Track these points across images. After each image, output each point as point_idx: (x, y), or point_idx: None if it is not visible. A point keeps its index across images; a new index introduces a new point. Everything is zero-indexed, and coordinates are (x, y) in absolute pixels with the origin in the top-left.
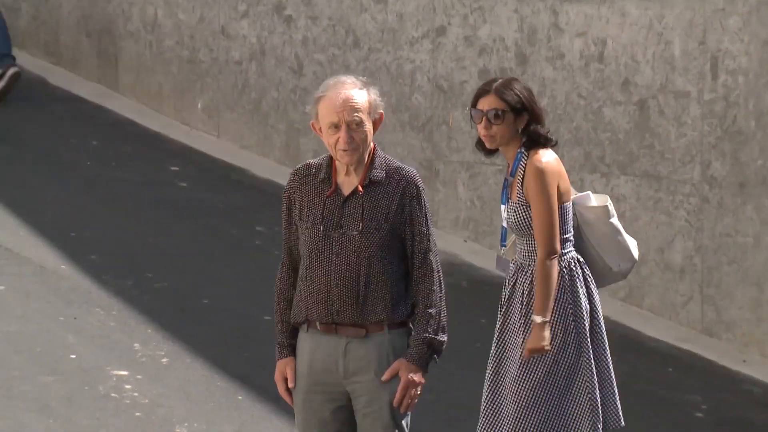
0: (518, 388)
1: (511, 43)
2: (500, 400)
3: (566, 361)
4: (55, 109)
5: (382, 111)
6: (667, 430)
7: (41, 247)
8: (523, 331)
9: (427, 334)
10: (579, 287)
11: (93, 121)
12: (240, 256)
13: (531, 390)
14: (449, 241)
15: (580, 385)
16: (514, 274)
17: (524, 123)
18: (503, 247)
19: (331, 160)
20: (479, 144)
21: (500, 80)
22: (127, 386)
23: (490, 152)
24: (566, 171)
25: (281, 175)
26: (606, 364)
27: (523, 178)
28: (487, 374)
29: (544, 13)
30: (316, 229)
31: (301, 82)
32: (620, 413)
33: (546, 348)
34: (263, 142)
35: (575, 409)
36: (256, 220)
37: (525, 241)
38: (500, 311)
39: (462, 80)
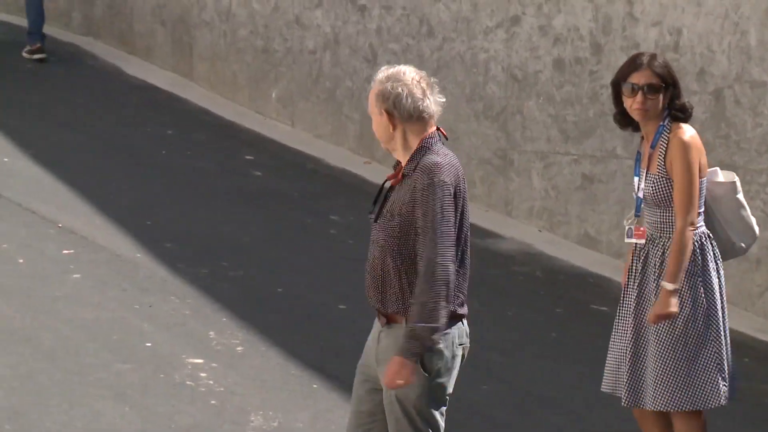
0: (654, 356)
1: (586, 33)
2: (642, 369)
3: (695, 332)
4: (131, 98)
5: (386, 108)
6: (743, 420)
7: (116, 236)
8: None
9: (412, 325)
10: (710, 261)
11: (168, 110)
12: (314, 245)
13: (663, 358)
14: (523, 230)
15: (709, 357)
16: (645, 246)
17: (669, 97)
18: (636, 217)
19: None
20: (617, 117)
21: (648, 55)
22: (202, 374)
23: (629, 125)
24: None
25: (355, 165)
26: (726, 341)
27: (665, 151)
28: (626, 345)
29: (619, 3)
30: (370, 217)
31: (375, 72)
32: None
33: (672, 313)
34: (337, 132)
35: (705, 379)
36: (330, 209)
37: (660, 213)
38: (632, 283)
39: (536, 70)
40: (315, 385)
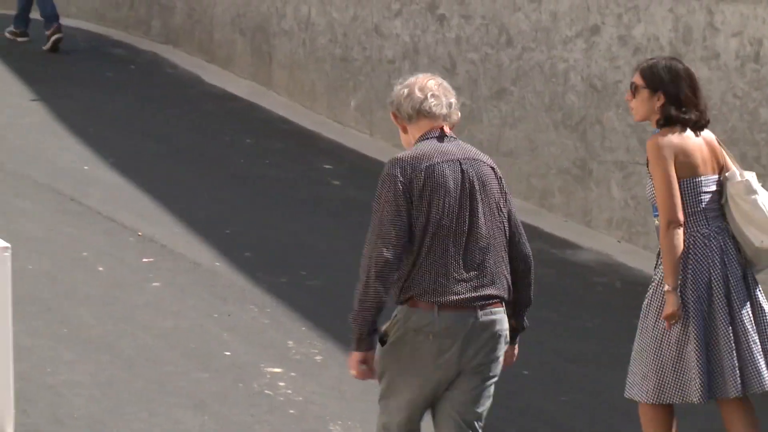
0: (638, 350)
1: (666, 43)
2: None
3: (675, 329)
4: (210, 106)
5: (393, 111)
6: None
7: (196, 244)
8: (657, 302)
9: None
10: (696, 262)
11: (246, 119)
12: None
13: (648, 353)
14: (602, 241)
15: (690, 355)
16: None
17: (662, 102)
18: (655, 217)
19: None
20: None
21: (654, 58)
22: (281, 383)
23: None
24: None
25: None
26: (723, 336)
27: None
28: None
29: (699, 13)
30: None
31: (454, 81)
32: (728, 385)
33: (674, 312)
34: None
35: (687, 375)
36: None
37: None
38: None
39: (616, 80)
40: None
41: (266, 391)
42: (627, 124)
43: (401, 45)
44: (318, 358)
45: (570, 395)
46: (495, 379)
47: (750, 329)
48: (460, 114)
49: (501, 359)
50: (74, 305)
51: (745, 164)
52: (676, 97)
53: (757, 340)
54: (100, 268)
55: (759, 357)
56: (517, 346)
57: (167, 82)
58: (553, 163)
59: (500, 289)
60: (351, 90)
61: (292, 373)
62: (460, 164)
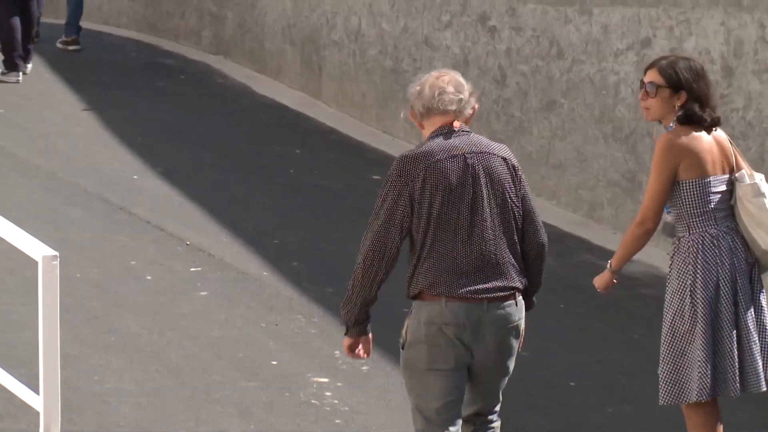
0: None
1: (717, 56)
2: None
3: (682, 328)
4: (259, 116)
5: (409, 109)
6: None
7: (243, 254)
8: (667, 304)
9: None
10: (704, 263)
11: (296, 129)
12: None
13: (661, 352)
14: (651, 253)
15: (694, 353)
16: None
17: (683, 101)
18: (668, 213)
19: None
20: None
21: (669, 57)
22: (328, 393)
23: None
24: None
25: None
26: (727, 336)
27: None
28: None
29: (751, 26)
30: None
31: (504, 93)
32: (737, 383)
33: (600, 288)
34: None
35: (689, 373)
36: None
37: (674, 213)
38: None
39: None
40: None
41: (312, 401)
42: None
43: (451, 57)
44: (364, 368)
45: (617, 407)
46: (509, 373)
47: (752, 330)
48: (477, 107)
49: (515, 351)
50: (122, 314)
51: None
52: (698, 96)
53: (757, 341)
54: (149, 277)
55: (758, 358)
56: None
57: (217, 92)
58: (603, 175)
59: (510, 280)
60: (400, 101)
61: (339, 383)
62: (465, 158)
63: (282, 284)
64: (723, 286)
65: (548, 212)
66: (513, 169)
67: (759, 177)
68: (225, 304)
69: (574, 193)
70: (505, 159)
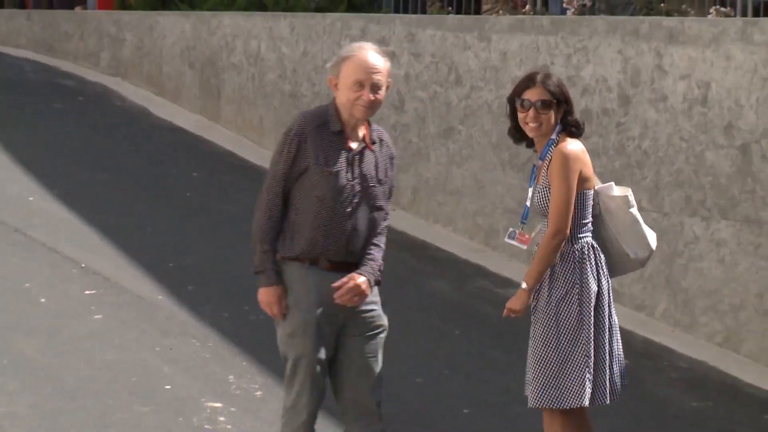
0: (529, 355)
1: (614, 84)
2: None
3: (567, 336)
4: (157, 139)
5: (391, 80)
6: None
7: (139, 277)
8: (534, 305)
9: (377, 275)
10: (589, 271)
11: (194, 152)
12: None
13: (536, 357)
14: None
15: (577, 360)
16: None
17: (562, 113)
18: (522, 224)
19: (336, 114)
20: (512, 132)
21: (543, 73)
22: (221, 418)
23: (523, 140)
24: (666, 213)
25: None
26: (603, 345)
27: (550, 163)
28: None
29: (648, 55)
30: (341, 177)
31: (402, 119)
32: (607, 392)
33: (520, 311)
34: None
35: (570, 380)
36: None
37: (545, 222)
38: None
39: None
40: None
41: (206, 426)
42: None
43: None
44: (258, 393)
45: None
46: None
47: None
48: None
49: None
50: (16, 336)
51: (690, 207)
52: (572, 105)
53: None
54: (43, 300)
55: (608, 369)
56: None
57: (115, 113)
58: (499, 202)
59: None
60: None
61: (232, 408)
62: None
63: (177, 308)
64: (601, 295)
65: (445, 239)
66: None
67: (623, 189)
68: (120, 328)
69: (471, 220)
70: None
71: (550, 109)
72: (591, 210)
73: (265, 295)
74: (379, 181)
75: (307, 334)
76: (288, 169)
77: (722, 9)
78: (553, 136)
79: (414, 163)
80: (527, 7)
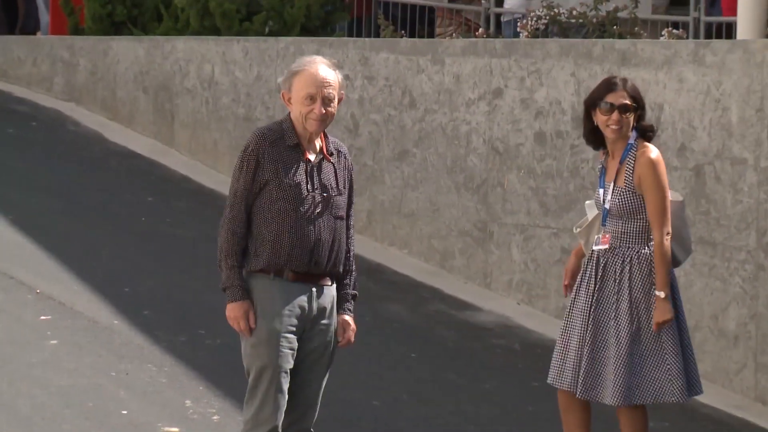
0: (614, 355)
1: (568, 107)
2: (600, 364)
3: (648, 333)
4: (111, 164)
5: (344, 92)
6: None
7: (94, 302)
8: (616, 306)
9: (353, 291)
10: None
11: (148, 177)
12: None
13: (621, 356)
14: (502, 303)
15: (667, 354)
16: (604, 255)
17: (637, 118)
18: (603, 226)
19: (291, 128)
20: (588, 136)
21: (621, 78)
22: None
23: (600, 145)
24: None
25: None
26: (688, 337)
27: (633, 167)
28: (582, 343)
29: (601, 77)
30: (301, 189)
31: (357, 142)
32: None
33: (670, 318)
34: None
35: (664, 375)
36: None
37: (622, 224)
38: (586, 286)
39: (518, 143)
40: None
41: None
42: (528, 188)
43: None
44: (215, 417)
45: None
46: None
47: None
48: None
49: None
50: None
51: None
52: (645, 111)
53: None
54: None
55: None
56: None
57: (69, 139)
58: (454, 225)
59: None
60: None
61: None
62: None
63: (133, 333)
64: (674, 290)
65: (400, 262)
66: None
67: (677, 194)
68: (75, 353)
69: (427, 243)
70: None
71: (630, 112)
72: None
73: (232, 311)
74: (339, 191)
75: (271, 344)
76: (248, 185)
77: (674, 31)
78: (631, 140)
79: (369, 186)
80: (480, 30)
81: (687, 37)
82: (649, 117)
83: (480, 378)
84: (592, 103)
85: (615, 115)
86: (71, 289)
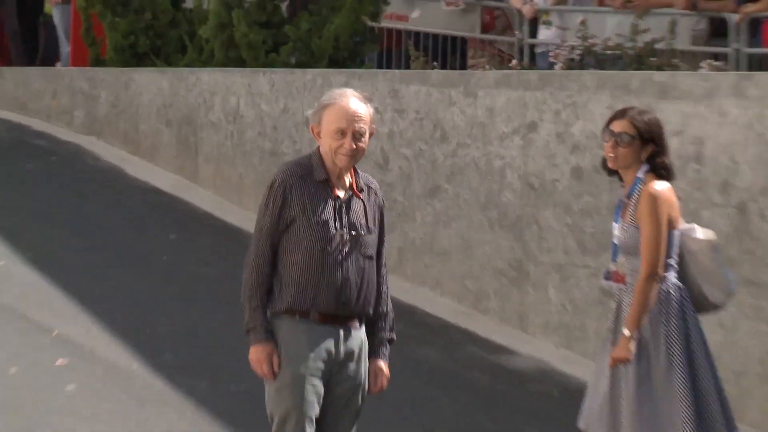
0: (626, 398)
1: None
2: (618, 409)
3: (658, 376)
4: (133, 200)
5: (375, 126)
6: None
7: (114, 345)
8: (653, 352)
9: (390, 335)
10: (674, 310)
11: (171, 213)
12: None
13: (634, 399)
14: (539, 346)
15: (676, 397)
16: (619, 293)
17: (649, 152)
18: (614, 262)
19: (320, 163)
20: (603, 163)
21: (637, 108)
22: None
23: (612, 172)
24: None
25: None
26: (708, 378)
27: (637, 202)
28: (604, 386)
29: None
30: (329, 227)
31: (387, 177)
32: (733, 422)
33: (626, 359)
34: None
35: (666, 419)
36: None
37: (631, 261)
38: (610, 325)
39: (553, 178)
40: None
41: None
42: (564, 224)
43: None
44: None
45: None
46: None
47: None
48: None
49: None
50: None
51: None
52: (664, 147)
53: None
54: (13, 370)
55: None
56: None
57: (89, 174)
58: (488, 263)
59: None
60: None
61: None
62: None
63: (153, 377)
64: (688, 333)
65: (432, 302)
66: None
67: (709, 232)
68: (93, 398)
69: (459, 283)
70: None
71: (631, 144)
72: (677, 250)
73: (255, 353)
74: (369, 230)
75: (296, 389)
76: (275, 221)
77: (714, 63)
78: (640, 175)
79: (399, 223)
80: (514, 61)
81: (728, 69)
82: (690, 152)
83: (516, 425)
84: (603, 130)
85: (611, 143)
86: (90, 331)
